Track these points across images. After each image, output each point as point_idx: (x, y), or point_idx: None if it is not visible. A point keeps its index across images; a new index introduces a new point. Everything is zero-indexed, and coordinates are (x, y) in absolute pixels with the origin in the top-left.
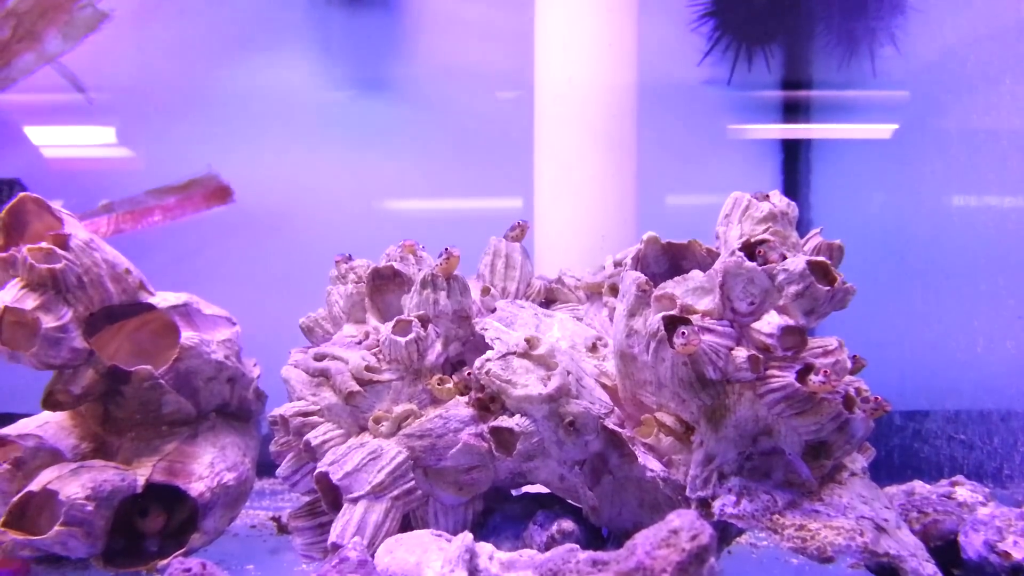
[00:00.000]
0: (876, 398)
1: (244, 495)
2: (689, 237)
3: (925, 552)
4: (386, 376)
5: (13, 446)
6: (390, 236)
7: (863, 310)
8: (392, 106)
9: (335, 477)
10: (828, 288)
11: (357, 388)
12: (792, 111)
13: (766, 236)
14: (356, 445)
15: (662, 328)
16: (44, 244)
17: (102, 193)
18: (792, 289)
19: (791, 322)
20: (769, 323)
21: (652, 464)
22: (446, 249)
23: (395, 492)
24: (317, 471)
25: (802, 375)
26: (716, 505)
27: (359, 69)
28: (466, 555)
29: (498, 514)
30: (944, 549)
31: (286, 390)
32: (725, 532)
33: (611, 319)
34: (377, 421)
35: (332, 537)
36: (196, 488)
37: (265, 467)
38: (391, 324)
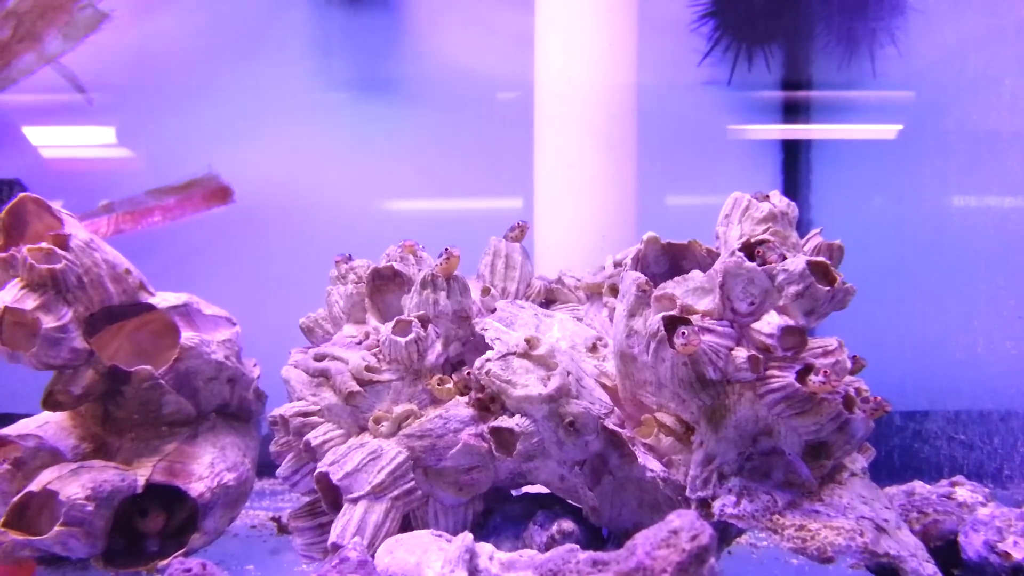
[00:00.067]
0: (876, 398)
1: (244, 495)
2: (689, 237)
3: (925, 552)
4: (386, 376)
5: (13, 446)
6: (390, 236)
7: (863, 310)
8: (392, 106)
9: (335, 477)
10: (828, 288)
11: (357, 388)
12: (792, 111)
13: (766, 236)
14: (356, 445)
15: (662, 328)
16: (44, 244)
17: (102, 193)
18: (792, 289)
19: (791, 322)
20: (769, 323)
21: (652, 464)
22: (446, 249)
23: (395, 492)
24: (317, 471)
25: (802, 375)
26: (716, 505)
27: (359, 69)
28: (466, 555)
29: (498, 514)
30: (944, 549)
31: (286, 390)
32: (725, 532)
33: (611, 319)
34: (377, 421)
35: (332, 537)
36: (196, 488)
37: (265, 467)
38: (391, 324)
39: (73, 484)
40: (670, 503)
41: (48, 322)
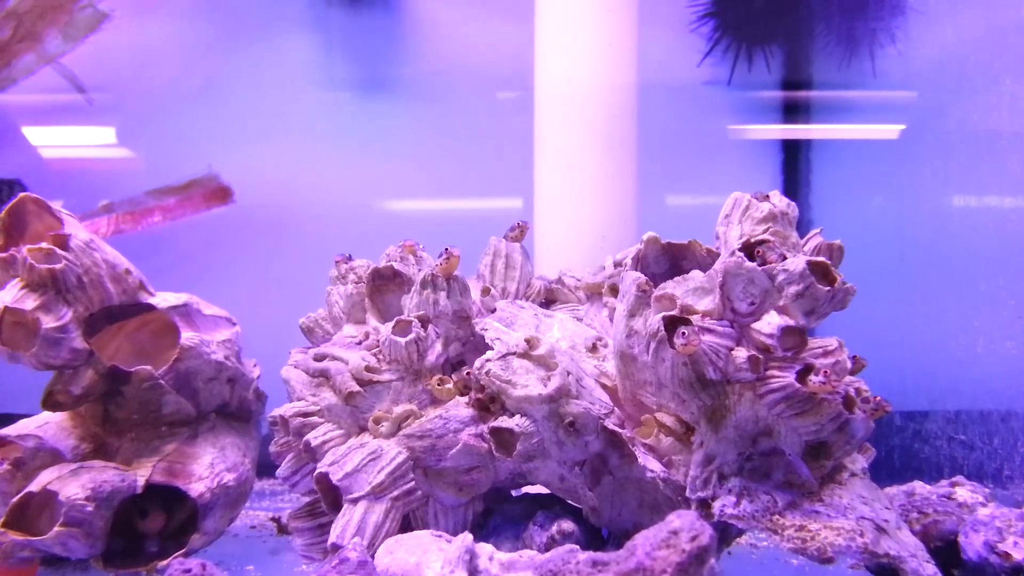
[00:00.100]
0: (876, 398)
1: (244, 496)
2: (689, 237)
3: (925, 553)
4: (386, 376)
5: (13, 447)
6: (390, 236)
7: (863, 310)
8: (392, 106)
9: (335, 478)
10: (828, 288)
11: (357, 388)
12: (792, 111)
13: (766, 236)
14: (356, 446)
15: (662, 328)
16: (44, 244)
17: (102, 193)
18: (792, 289)
19: (791, 322)
20: (769, 323)
21: (652, 465)
22: (446, 249)
23: (395, 493)
24: (317, 471)
25: (802, 375)
26: (716, 506)
27: (359, 69)
28: (466, 556)
29: (498, 515)
30: (944, 550)
31: (286, 390)
32: (725, 533)
33: (611, 319)
34: (377, 421)
35: (332, 538)
36: (196, 489)
37: (265, 468)
38: (391, 324)
39: (73, 484)
40: (670, 503)
41: (48, 322)
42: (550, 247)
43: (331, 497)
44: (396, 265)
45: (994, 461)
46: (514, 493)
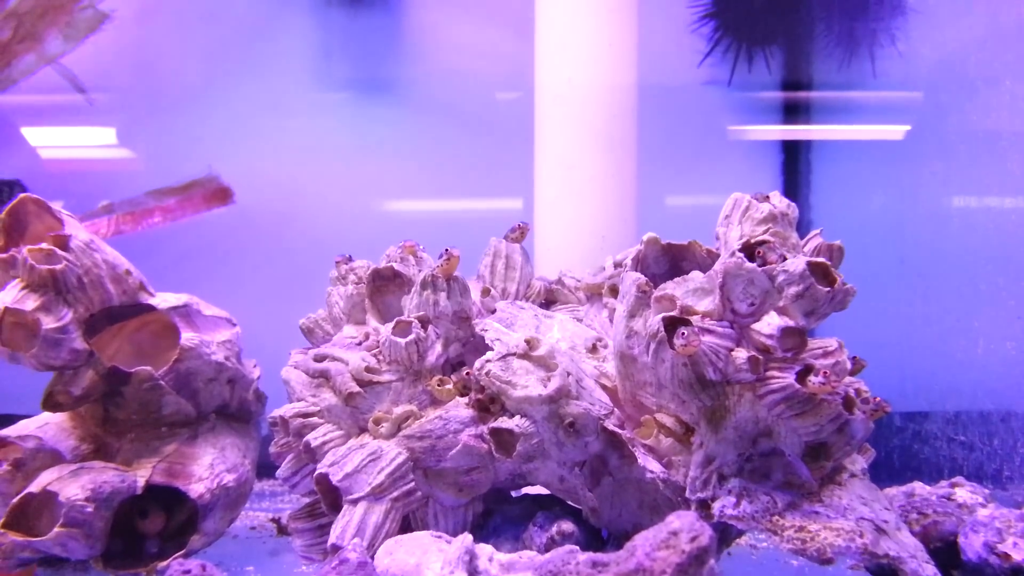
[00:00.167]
0: (876, 399)
1: (244, 496)
2: (689, 238)
3: (925, 554)
4: (386, 377)
5: (13, 447)
6: (390, 237)
7: (863, 311)
8: (392, 107)
9: (335, 478)
10: (828, 289)
11: (357, 389)
12: (792, 112)
13: (766, 237)
14: (356, 446)
15: (662, 329)
16: (44, 245)
17: (102, 194)
18: (792, 290)
19: (791, 323)
20: (769, 324)
21: (652, 465)
22: (446, 250)
23: (395, 493)
24: (317, 472)
25: (802, 376)
26: (716, 506)
27: (359, 70)
28: (466, 556)
29: (498, 515)
30: (944, 550)
31: (286, 391)
32: (725, 533)
33: (611, 320)
34: (377, 422)
35: (332, 539)
36: (196, 489)
37: (265, 468)
38: (391, 325)
39: (73, 485)
40: (670, 504)
41: (48, 323)
42: (550, 248)
43: (331, 498)
44: (396, 266)
45: (994, 462)
46: (514, 494)
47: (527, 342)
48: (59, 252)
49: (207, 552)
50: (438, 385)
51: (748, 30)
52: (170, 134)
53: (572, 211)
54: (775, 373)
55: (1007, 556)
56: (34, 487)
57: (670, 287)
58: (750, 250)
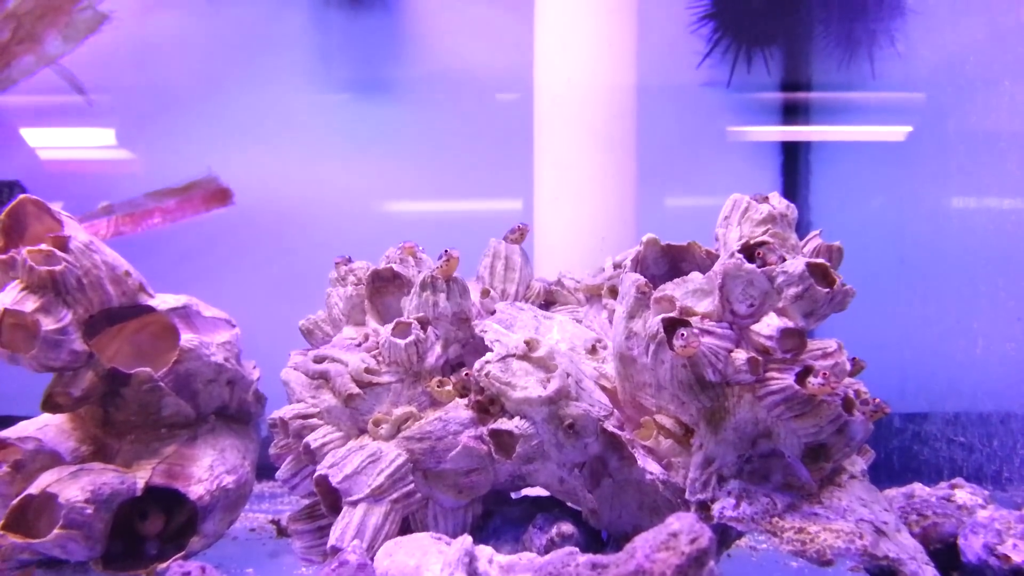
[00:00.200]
0: (875, 400)
1: (243, 498)
2: (689, 239)
3: (924, 555)
4: (386, 378)
5: (13, 449)
6: (390, 238)
7: (863, 312)
8: (392, 108)
9: (334, 480)
10: (827, 290)
11: (357, 390)
12: (791, 113)
13: (765, 238)
14: (356, 448)
15: (661, 330)
16: (44, 246)
17: (102, 195)
18: (791, 291)
19: (790, 324)
20: (768, 325)
21: (651, 467)
22: (446, 251)
23: (394, 495)
24: (316, 474)
25: (801, 377)
26: (715, 508)
27: (359, 71)
28: (465, 558)
29: (498, 517)
30: (944, 552)
31: (286, 392)
32: (724, 535)
33: (611, 321)
34: (377, 423)
35: (331, 540)
36: (195, 491)
37: (264, 470)
38: (391, 326)
39: (72, 487)
40: (669, 506)
41: (48, 324)
42: (549, 249)
43: (330, 499)
44: (396, 267)
45: (993, 463)
46: (513, 495)
47: (526, 343)
48: (58, 253)
49: (207, 554)
50: (438, 386)
51: (747, 31)
52: (170, 135)
53: (571, 212)
54: (774, 374)
55: (1007, 558)
56: (34, 489)
57: (669, 288)
58: (749, 251)
